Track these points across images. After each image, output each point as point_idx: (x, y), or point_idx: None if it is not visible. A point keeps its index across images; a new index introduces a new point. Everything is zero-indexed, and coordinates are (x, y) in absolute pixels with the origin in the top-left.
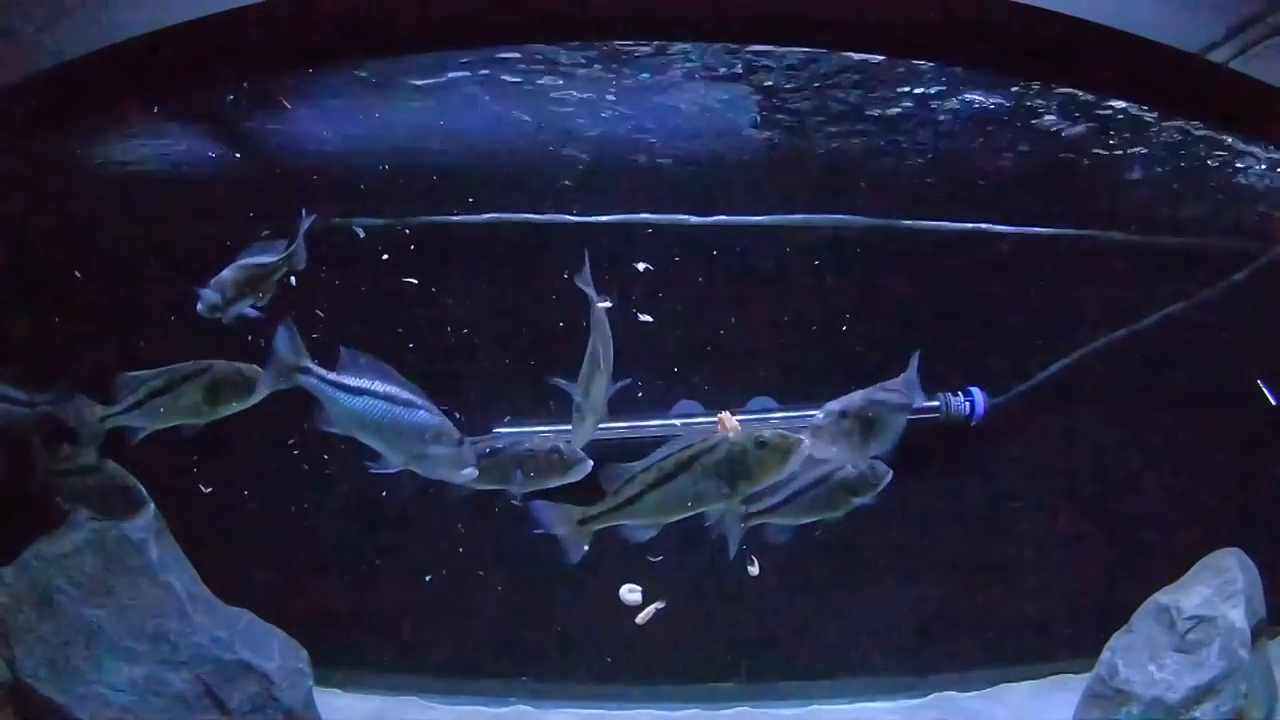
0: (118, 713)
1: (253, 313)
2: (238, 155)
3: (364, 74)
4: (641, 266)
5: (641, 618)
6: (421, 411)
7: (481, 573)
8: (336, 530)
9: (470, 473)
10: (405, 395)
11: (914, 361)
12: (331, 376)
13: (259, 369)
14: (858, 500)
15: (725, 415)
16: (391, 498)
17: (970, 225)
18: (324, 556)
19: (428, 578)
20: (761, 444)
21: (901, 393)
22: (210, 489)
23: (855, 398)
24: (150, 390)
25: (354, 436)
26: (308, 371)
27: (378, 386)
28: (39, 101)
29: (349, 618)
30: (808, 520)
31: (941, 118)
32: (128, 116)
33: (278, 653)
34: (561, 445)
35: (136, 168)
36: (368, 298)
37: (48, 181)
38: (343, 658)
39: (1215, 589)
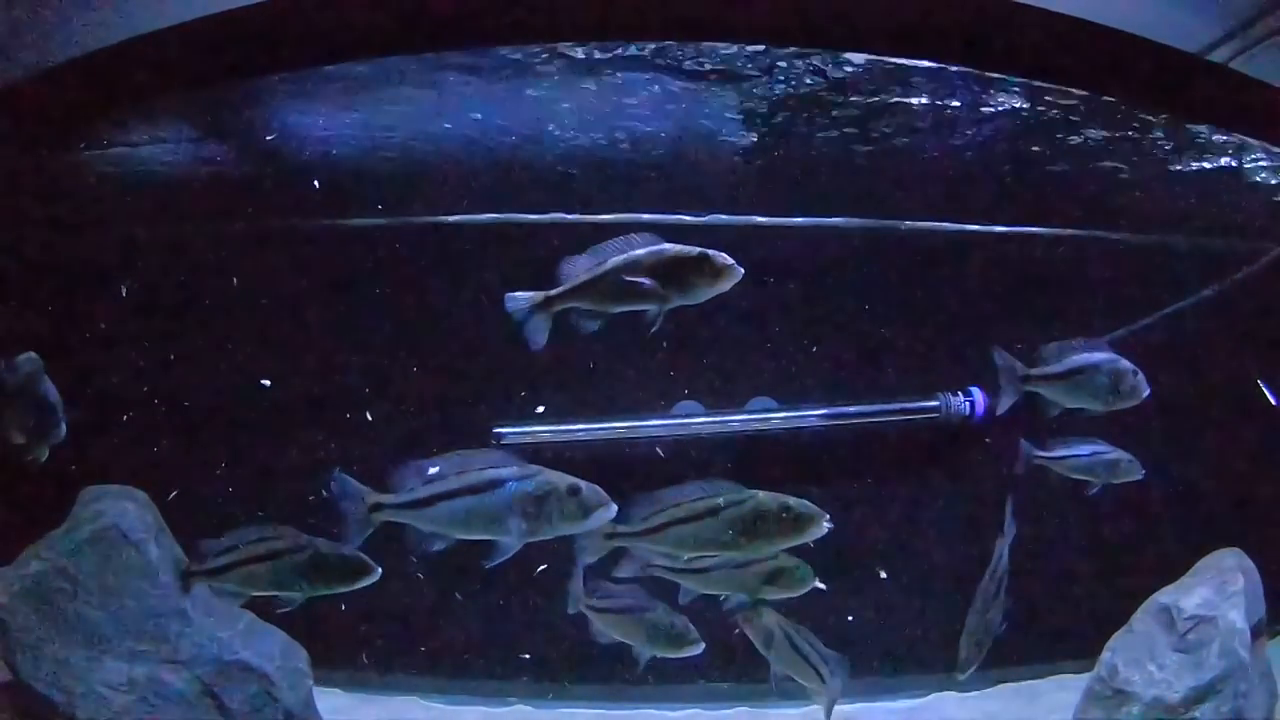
0: (118, 713)
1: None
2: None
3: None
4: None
5: None
6: (509, 485)
7: (482, 573)
8: (336, 529)
9: (605, 513)
10: (486, 477)
11: None
12: (404, 499)
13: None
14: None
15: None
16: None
17: (970, 226)
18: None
19: (429, 578)
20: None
21: None
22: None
23: None
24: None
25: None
26: (380, 508)
27: (452, 485)
28: (39, 101)
29: (349, 618)
30: None
31: (941, 119)
32: (128, 116)
33: (278, 653)
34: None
35: (137, 167)
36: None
37: (48, 181)
38: (343, 658)
39: (1215, 589)
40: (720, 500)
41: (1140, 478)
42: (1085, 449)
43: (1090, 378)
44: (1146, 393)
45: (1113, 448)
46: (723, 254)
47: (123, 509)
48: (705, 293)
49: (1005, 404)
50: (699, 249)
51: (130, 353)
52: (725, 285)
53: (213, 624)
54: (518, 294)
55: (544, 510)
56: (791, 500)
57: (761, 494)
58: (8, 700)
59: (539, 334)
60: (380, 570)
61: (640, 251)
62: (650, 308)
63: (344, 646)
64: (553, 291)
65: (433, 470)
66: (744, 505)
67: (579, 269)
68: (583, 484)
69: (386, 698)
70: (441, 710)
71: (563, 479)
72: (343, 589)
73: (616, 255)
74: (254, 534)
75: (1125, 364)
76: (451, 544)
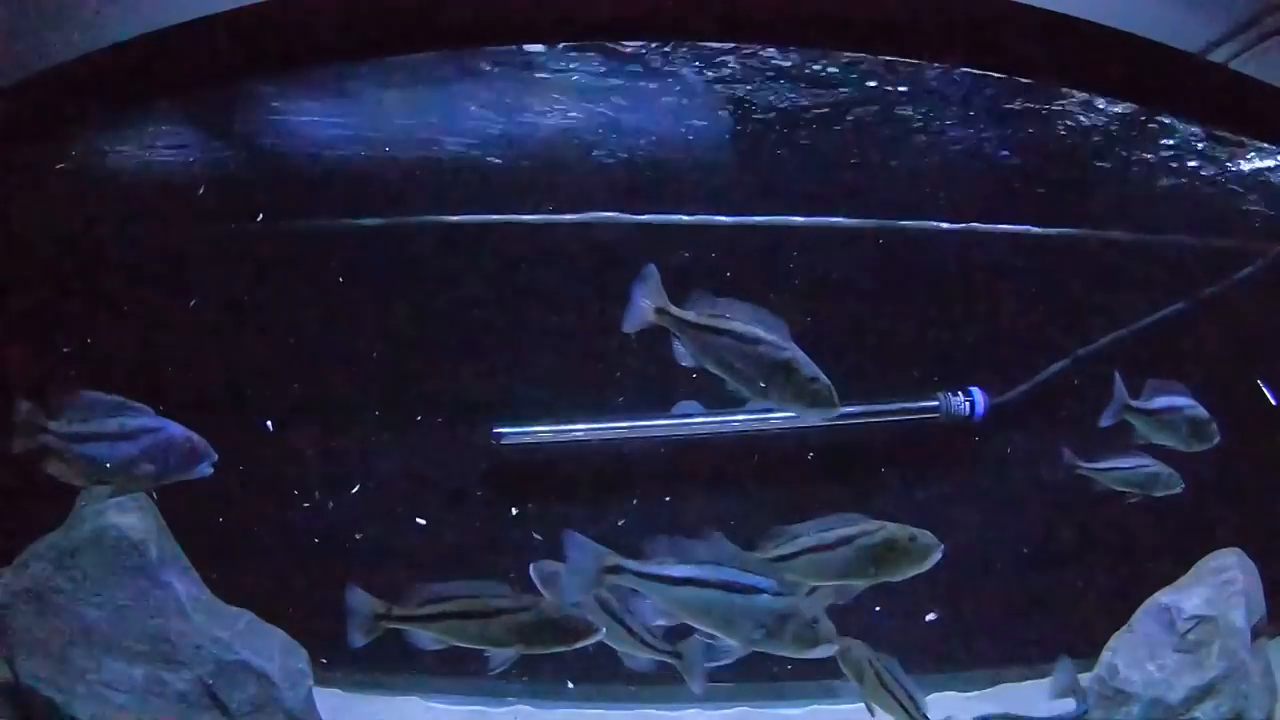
0: (118, 713)
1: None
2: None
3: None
4: None
5: None
6: (764, 598)
7: (482, 572)
8: (339, 529)
9: (827, 650)
10: (744, 580)
11: None
12: (650, 569)
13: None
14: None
15: None
16: (394, 497)
17: (970, 225)
18: (325, 555)
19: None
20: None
21: None
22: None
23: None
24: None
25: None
26: (619, 571)
27: (707, 574)
28: (39, 102)
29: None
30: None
31: (940, 118)
32: (130, 116)
33: (278, 653)
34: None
35: (137, 168)
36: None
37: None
38: (343, 658)
39: (1215, 589)
40: (854, 530)
41: (1179, 491)
42: (1128, 461)
43: (1175, 419)
44: (1217, 439)
45: (1155, 461)
46: (833, 392)
47: (123, 509)
48: (790, 405)
49: (1107, 421)
50: (814, 370)
51: (124, 355)
52: (812, 413)
53: (213, 624)
54: (656, 277)
55: (783, 629)
56: (916, 531)
57: (891, 525)
58: (8, 700)
59: (635, 319)
60: (604, 630)
61: (762, 336)
62: (738, 389)
63: (344, 646)
64: (673, 309)
65: (699, 551)
66: (876, 535)
67: (702, 308)
68: (822, 616)
69: (386, 698)
70: (441, 710)
71: (810, 607)
72: (561, 649)
73: (740, 324)
74: (473, 588)
75: (1204, 412)
76: (677, 623)
